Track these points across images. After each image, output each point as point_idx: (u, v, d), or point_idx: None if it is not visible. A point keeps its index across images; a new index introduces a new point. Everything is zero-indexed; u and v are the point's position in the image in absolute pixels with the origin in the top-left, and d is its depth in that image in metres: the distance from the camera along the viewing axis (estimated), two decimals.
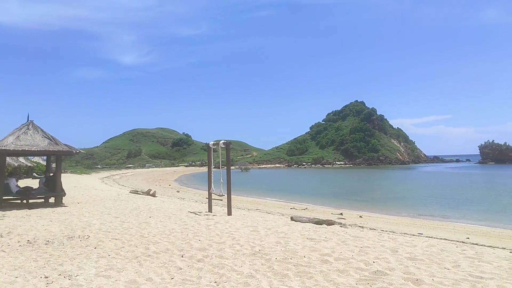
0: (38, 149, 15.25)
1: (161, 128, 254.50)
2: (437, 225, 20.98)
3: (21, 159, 44.58)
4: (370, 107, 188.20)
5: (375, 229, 14.35)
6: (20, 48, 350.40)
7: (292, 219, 11.41)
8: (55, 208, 14.25)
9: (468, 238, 15.55)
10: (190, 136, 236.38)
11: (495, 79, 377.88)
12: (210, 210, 12.23)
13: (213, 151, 11.84)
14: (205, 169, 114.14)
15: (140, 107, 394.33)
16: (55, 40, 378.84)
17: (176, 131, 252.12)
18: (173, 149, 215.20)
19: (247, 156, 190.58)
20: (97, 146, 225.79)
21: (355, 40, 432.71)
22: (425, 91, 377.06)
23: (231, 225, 9.36)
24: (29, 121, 16.70)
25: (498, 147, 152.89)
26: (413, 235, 14.52)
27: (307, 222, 11.12)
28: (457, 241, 12.93)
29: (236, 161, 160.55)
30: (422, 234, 15.62)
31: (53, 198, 16.17)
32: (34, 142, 15.39)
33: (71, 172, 74.14)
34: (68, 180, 41.83)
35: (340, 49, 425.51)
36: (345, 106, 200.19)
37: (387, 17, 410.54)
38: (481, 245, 13.05)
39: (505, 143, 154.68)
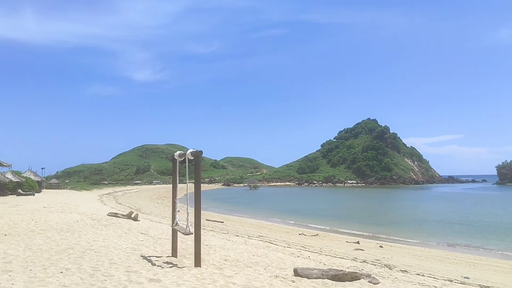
0: None
1: (171, 144, 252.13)
2: (477, 261, 17.34)
3: (9, 174, 41.83)
4: (383, 125, 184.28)
5: (416, 281, 10.85)
6: (36, 64, 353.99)
7: (296, 273, 7.50)
8: None
9: None
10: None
11: (509, 98, 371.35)
12: (174, 253, 8.43)
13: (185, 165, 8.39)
14: (213, 186, 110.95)
15: (150, 123, 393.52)
16: (70, 57, 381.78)
17: (185, 147, 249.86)
18: (182, 165, 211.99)
19: (257, 173, 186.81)
20: (106, 162, 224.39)
21: (368, 58, 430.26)
22: (438, 110, 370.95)
23: None
24: None
25: None
26: (458, 281, 11.05)
27: (319, 278, 7.21)
28: None
29: (246, 178, 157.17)
30: (468, 278, 12.13)
31: None
32: None
33: (71, 188, 71.32)
34: (52, 198, 38.88)
35: (353, 67, 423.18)
36: (357, 124, 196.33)
37: (400, 35, 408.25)
38: None
39: None
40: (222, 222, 28.92)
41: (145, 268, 7.14)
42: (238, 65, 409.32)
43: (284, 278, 7.07)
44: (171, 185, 9.11)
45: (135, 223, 17.88)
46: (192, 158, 7.84)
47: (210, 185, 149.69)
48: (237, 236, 19.84)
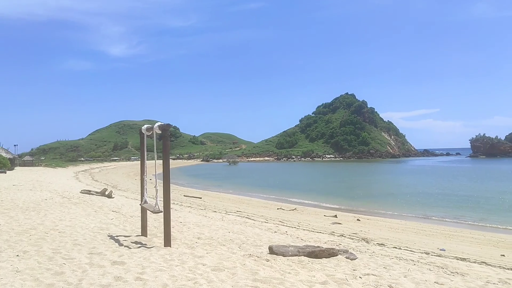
0: None
1: (149, 120, 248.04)
2: (452, 233, 17.52)
3: None
4: (361, 100, 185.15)
5: (394, 255, 10.75)
6: (5, 38, 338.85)
7: (271, 251, 7.17)
8: None
9: (504, 255, 12.12)
10: (178, 129, 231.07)
11: (482, 73, 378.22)
12: (144, 232, 7.96)
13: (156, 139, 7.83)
14: (192, 162, 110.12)
15: (127, 99, 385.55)
16: (41, 31, 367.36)
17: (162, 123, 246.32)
18: (161, 141, 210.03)
19: (236, 149, 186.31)
20: (82, 138, 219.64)
21: (346, 33, 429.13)
22: (414, 85, 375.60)
23: (155, 278, 4.91)
24: None
25: (489, 141, 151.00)
26: (435, 254, 11.02)
27: (295, 255, 6.91)
28: (502, 267, 9.43)
29: (225, 154, 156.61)
30: (444, 250, 12.14)
31: None
32: None
33: (46, 166, 69.60)
34: (24, 175, 37.79)
35: (331, 42, 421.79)
36: (336, 99, 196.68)
37: (377, 10, 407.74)
38: None
39: (496, 136, 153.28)
40: (201, 198, 28.61)
41: (111, 249, 6.70)
42: (216, 40, 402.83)
43: (258, 257, 6.73)
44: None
45: (109, 201, 17.36)
46: (160, 132, 7.31)
47: (189, 161, 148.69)
48: (215, 212, 19.55)
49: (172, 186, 38.30)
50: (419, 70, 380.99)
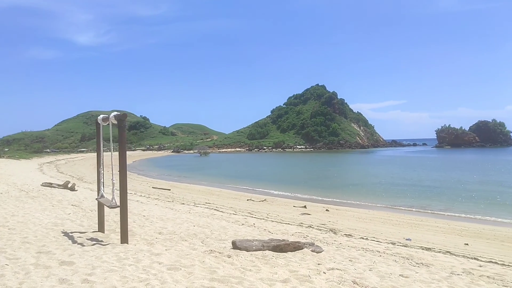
0: None
1: (117, 110, 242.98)
2: (418, 222, 17.75)
3: None
4: (331, 91, 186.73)
5: (360, 246, 10.69)
6: None
7: (235, 246, 6.90)
8: None
9: (467, 244, 12.29)
10: (148, 119, 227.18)
11: (447, 66, 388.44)
12: (101, 228, 7.53)
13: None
14: (163, 153, 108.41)
15: (96, 88, 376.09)
16: (4, 18, 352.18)
17: (133, 114, 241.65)
18: (130, 132, 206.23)
19: (207, 140, 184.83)
20: (48, 129, 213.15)
21: (317, 25, 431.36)
22: (383, 76, 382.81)
23: (104, 280, 4.53)
24: None
25: (454, 131, 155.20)
26: (401, 244, 11.04)
27: (259, 250, 6.68)
28: (466, 257, 9.50)
29: (196, 145, 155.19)
30: (410, 240, 12.21)
31: None
32: None
33: (8, 157, 66.81)
34: None
35: (302, 33, 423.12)
36: (306, 90, 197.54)
37: (347, 3, 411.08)
38: (490, 260, 9.75)
39: (461, 127, 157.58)
40: (170, 190, 28.08)
41: (62, 248, 6.26)
42: (187, 29, 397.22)
43: (220, 252, 6.44)
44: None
45: (71, 194, 16.67)
46: (116, 122, 6.87)
47: (159, 152, 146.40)
48: (183, 204, 19.15)
49: (140, 178, 37.41)
50: (388, 62, 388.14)
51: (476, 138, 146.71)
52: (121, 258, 5.63)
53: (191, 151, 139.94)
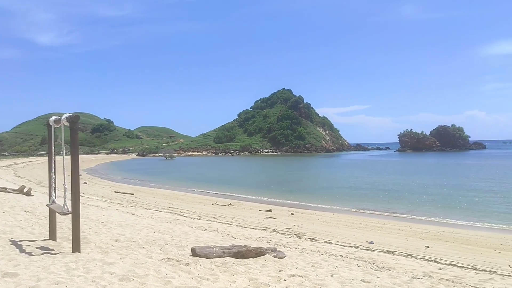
0: None
1: (80, 112, 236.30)
2: (381, 225, 18.00)
3: None
4: (297, 95, 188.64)
5: (324, 250, 10.65)
6: None
7: (194, 253, 6.64)
8: None
9: (428, 247, 12.51)
10: (112, 122, 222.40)
11: (409, 72, 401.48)
12: (52, 236, 7.09)
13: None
14: (127, 157, 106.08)
15: (57, 90, 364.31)
16: None
17: (96, 116, 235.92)
18: (93, 135, 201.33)
19: (173, 143, 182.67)
20: (6, 131, 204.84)
21: (284, 29, 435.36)
22: (348, 81, 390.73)
23: None
24: None
25: (416, 136, 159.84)
26: (364, 247, 11.09)
27: (220, 257, 6.46)
28: (427, 259, 9.62)
29: (161, 148, 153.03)
30: (373, 243, 12.31)
31: None
32: None
33: None
34: None
35: (269, 37, 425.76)
36: (273, 94, 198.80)
37: (314, 9, 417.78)
38: (450, 262, 9.93)
39: (422, 132, 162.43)
40: (133, 194, 27.39)
41: (7, 258, 5.82)
42: (153, 31, 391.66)
43: (178, 260, 6.17)
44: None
45: (26, 199, 15.89)
46: (68, 124, 6.50)
47: (124, 155, 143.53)
48: (145, 209, 18.66)
49: (103, 182, 36.37)
50: (353, 67, 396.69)
51: (437, 142, 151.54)
52: (70, 269, 5.27)
53: (157, 155, 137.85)
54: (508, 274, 8.31)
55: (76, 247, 6.38)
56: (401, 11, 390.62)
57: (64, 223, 9.12)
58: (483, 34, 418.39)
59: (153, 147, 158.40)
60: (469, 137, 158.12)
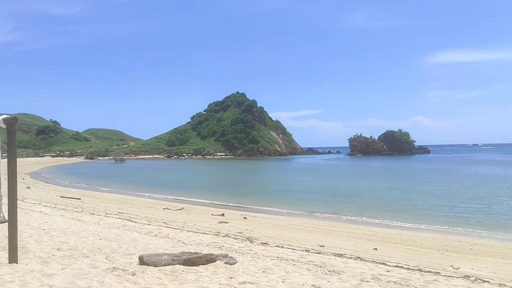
0: None
1: (24, 113, 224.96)
2: (332, 228, 18.32)
3: None
4: (251, 99, 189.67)
5: (275, 255, 10.63)
6: None
7: (142, 261, 6.35)
8: None
9: (376, 249, 12.84)
10: (58, 124, 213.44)
11: (359, 78, 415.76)
12: None
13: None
14: (75, 160, 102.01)
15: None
16: None
17: (42, 118, 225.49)
18: (38, 137, 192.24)
19: (124, 146, 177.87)
20: None
21: (238, 32, 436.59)
22: (301, 86, 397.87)
23: None
24: None
25: (365, 140, 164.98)
26: (315, 251, 11.20)
27: (169, 265, 6.23)
28: (375, 262, 9.84)
29: (111, 151, 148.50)
30: (324, 246, 12.47)
31: None
32: None
33: None
34: None
35: (223, 40, 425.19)
36: (227, 97, 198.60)
37: (268, 14, 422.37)
38: (397, 264, 10.23)
39: (371, 136, 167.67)
40: (79, 199, 26.29)
41: None
42: (103, 31, 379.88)
43: (124, 270, 5.90)
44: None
45: None
46: (5, 126, 6.06)
47: (71, 158, 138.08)
48: (92, 214, 17.93)
49: (48, 186, 34.58)
50: (306, 72, 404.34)
51: (384, 146, 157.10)
52: (6, 282, 4.88)
53: (106, 158, 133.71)
54: (451, 275, 8.65)
55: (13, 258, 5.94)
56: (351, 19, 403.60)
57: (1, 232, 8.54)
58: (427, 44, 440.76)
59: (103, 150, 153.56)
60: (415, 141, 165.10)
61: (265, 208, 25.87)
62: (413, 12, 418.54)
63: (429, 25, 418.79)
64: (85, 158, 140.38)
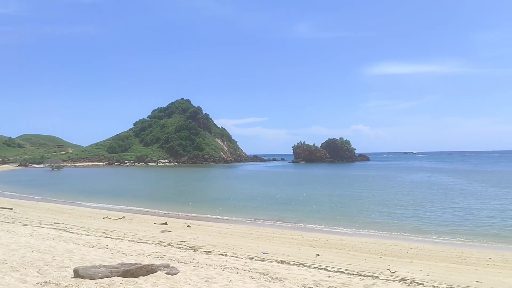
0: None
1: None
2: (275, 234, 18.50)
3: None
4: (196, 106, 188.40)
5: (219, 263, 10.54)
6: None
7: (77, 274, 6.01)
8: None
9: (318, 254, 13.11)
10: None
11: (302, 87, 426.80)
12: None
13: None
14: (7, 167, 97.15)
15: None
16: None
17: None
18: None
19: (61, 153, 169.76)
20: None
21: (184, 39, 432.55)
22: (246, 94, 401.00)
23: None
24: None
25: (308, 148, 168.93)
26: (258, 258, 11.23)
27: (107, 277, 5.95)
28: (317, 267, 10.03)
29: (47, 158, 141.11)
30: (267, 253, 12.53)
31: None
32: None
33: None
34: None
35: (168, 45, 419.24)
36: (171, 104, 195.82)
37: (212, 19, 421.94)
38: (338, 269, 10.48)
39: (314, 144, 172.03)
40: (11, 209, 24.67)
41: None
42: (41, 32, 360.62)
43: (57, 284, 5.56)
44: None
45: None
46: None
47: (3, 165, 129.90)
48: (25, 225, 16.85)
49: None
50: (251, 80, 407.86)
51: (327, 154, 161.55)
52: None
53: (42, 165, 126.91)
54: (389, 279, 8.99)
55: None
56: (295, 29, 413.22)
57: None
58: (367, 55, 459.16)
59: (38, 157, 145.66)
60: (355, 149, 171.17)
61: (209, 216, 25.68)
62: (354, 24, 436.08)
63: (369, 37, 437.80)
64: (19, 165, 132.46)
